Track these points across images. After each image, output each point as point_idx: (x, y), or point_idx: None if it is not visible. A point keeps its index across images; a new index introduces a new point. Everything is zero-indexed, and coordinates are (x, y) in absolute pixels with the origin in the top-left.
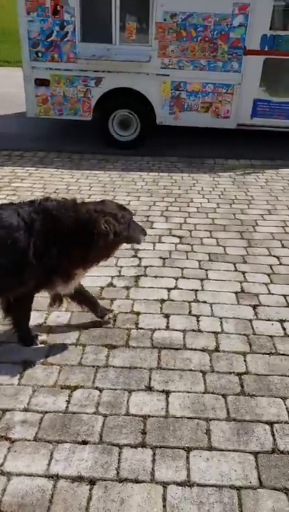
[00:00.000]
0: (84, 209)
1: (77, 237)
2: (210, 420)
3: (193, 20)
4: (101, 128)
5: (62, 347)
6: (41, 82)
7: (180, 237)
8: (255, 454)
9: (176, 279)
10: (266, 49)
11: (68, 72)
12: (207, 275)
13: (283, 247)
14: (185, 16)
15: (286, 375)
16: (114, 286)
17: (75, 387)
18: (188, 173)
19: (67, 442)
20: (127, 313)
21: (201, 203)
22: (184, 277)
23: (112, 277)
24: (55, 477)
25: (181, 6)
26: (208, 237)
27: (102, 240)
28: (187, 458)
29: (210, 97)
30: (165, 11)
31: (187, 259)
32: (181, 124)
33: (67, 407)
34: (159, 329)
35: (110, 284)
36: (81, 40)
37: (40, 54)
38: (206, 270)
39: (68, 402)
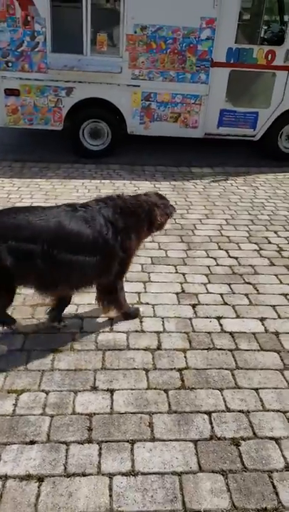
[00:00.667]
0: (144, 203)
1: (143, 225)
2: (152, 414)
3: (162, 32)
4: (72, 137)
5: (8, 353)
6: (11, 92)
7: None
8: (195, 441)
9: None
10: (232, 61)
11: (39, 82)
12: (150, 278)
13: (220, 248)
14: (155, 29)
15: (223, 368)
16: None
17: (22, 391)
18: (130, 180)
19: (15, 443)
20: (71, 318)
21: None
22: (128, 281)
23: None
24: (4, 477)
25: (150, 19)
26: (150, 242)
27: (158, 226)
28: (131, 450)
29: (179, 107)
30: (135, 24)
31: None
32: (152, 134)
33: (14, 410)
34: (103, 332)
35: None
36: (52, 51)
37: (10, 64)
38: (149, 273)
39: (15, 405)
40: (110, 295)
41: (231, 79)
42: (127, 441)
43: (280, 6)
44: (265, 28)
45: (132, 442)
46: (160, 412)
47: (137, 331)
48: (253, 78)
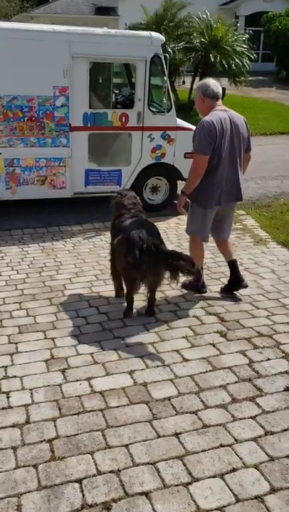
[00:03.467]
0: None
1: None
2: (21, 495)
3: (18, 102)
4: None
5: None
6: None
7: None
8: None
9: None
10: (89, 125)
11: None
12: (17, 348)
13: (90, 306)
14: (10, 99)
15: (94, 430)
16: None
17: None
18: None
19: None
20: None
21: (9, 276)
22: None
23: None
24: None
25: (4, 90)
26: (17, 310)
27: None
28: None
29: (44, 170)
30: None
31: None
32: (21, 198)
33: None
34: None
35: None
36: None
37: None
38: (16, 343)
39: None
40: None
41: (91, 141)
42: None
43: (127, 69)
44: (117, 92)
45: None
46: (29, 491)
47: (4, 408)
48: (112, 139)
